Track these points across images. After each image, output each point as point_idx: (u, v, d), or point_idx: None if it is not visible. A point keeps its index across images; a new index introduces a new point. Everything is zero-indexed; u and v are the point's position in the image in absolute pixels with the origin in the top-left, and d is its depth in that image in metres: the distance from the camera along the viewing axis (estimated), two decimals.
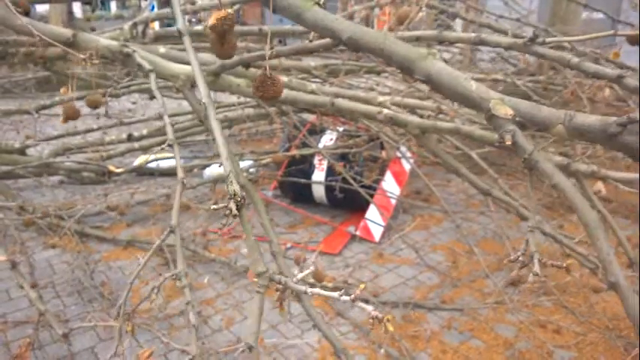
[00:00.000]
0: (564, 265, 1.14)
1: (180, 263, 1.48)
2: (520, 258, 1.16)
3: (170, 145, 1.65)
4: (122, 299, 1.43)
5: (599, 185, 2.55)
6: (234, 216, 1.09)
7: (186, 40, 1.47)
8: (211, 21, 1.23)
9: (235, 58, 2.14)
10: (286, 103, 3.35)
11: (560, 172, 1.15)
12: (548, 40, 1.98)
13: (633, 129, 1.03)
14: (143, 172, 5.14)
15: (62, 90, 2.16)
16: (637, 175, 2.43)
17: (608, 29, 1.93)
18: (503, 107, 1.17)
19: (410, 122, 2.54)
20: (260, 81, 1.31)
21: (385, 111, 2.55)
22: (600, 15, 3.79)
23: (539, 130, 1.21)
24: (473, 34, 2.08)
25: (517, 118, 1.16)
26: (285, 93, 2.36)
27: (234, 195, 1.09)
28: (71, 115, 2.18)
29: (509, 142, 1.13)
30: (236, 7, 3.56)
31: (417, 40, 2.63)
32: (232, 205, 1.08)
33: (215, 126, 1.29)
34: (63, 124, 6.23)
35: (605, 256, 1.09)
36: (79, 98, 5.03)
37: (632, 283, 2.50)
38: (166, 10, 3.97)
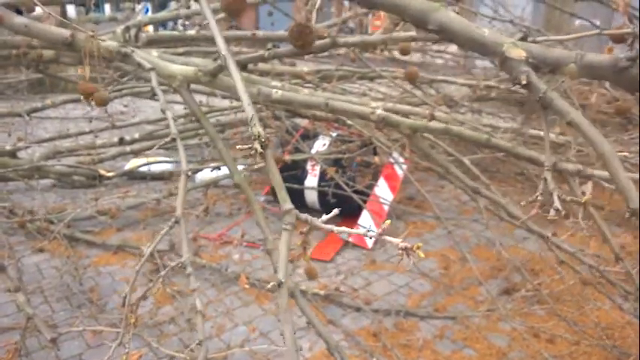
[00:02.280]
0: (583, 200, 1.17)
1: (185, 251, 1.48)
2: (539, 197, 1.21)
3: (174, 139, 1.65)
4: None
5: (587, 186, 2.56)
6: (260, 154, 1.17)
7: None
8: None
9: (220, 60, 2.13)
10: (281, 104, 3.33)
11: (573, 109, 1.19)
12: (538, 39, 1.99)
13: None
14: (134, 176, 5.10)
15: (79, 70, 2.15)
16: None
17: (601, 37, 1.95)
18: (516, 49, 1.22)
19: (402, 123, 2.56)
20: (298, 31, 1.39)
21: (378, 111, 2.55)
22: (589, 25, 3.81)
23: (551, 71, 1.25)
24: None
25: (530, 60, 1.21)
26: (280, 93, 2.36)
27: (259, 136, 1.17)
28: (101, 102, 2.14)
29: (524, 82, 1.17)
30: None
31: (413, 39, 2.63)
32: (257, 145, 1.16)
33: (236, 75, 1.37)
34: (56, 127, 6.16)
35: (623, 184, 1.10)
36: (73, 101, 4.99)
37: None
38: (159, 14, 3.95)
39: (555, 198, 1.16)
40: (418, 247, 0.93)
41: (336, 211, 1.14)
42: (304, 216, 1.18)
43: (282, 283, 1.12)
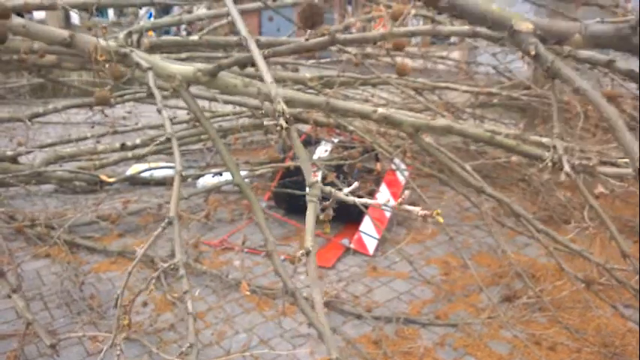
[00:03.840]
0: (591, 164, 1.22)
1: (179, 253, 1.49)
2: (549, 164, 1.29)
3: (169, 139, 1.65)
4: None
5: (600, 187, 2.56)
6: (285, 129, 1.24)
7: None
8: None
9: (231, 58, 2.13)
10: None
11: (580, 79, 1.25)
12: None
13: None
14: (136, 182, 5.10)
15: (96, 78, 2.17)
16: (627, 170, 2.47)
17: None
18: (524, 22, 1.28)
19: (404, 121, 2.55)
20: (308, 11, 1.45)
21: (380, 110, 2.55)
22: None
23: (558, 42, 1.30)
24: (466, 27, 2.08)
25: (537, 32, 1.27)
26: (282, 93, 2.36)
27: (283, 112, 1.23)
28: (102, 101, 2.15)
29: (532, 53, 1.23)
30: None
31: (412, 35, 2.63)
32: (282, 122, 1.22)
33: (258, 56, 1.41)
34: (58, 132, 6.18)
35: (627, 142, 1.16)
36: (75, 106, 5.00)
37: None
38: (162, 20, 3.96)
39: (565, 162, 1.20)
40: (438, 214, 0.99)
41: (356, 184, 1.18)
42: (328, 188, 1.26)
43: (309, 251, 1.18)
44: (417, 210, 0.98)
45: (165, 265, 1.44)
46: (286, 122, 1.22)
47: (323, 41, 1.98)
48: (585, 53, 1.85)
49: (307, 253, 1.17)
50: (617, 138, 1.16)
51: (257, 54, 1.39)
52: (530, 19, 1.27)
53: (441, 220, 0.98)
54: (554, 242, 3.00)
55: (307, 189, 4.47)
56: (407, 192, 1.01)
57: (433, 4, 1.41)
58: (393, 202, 1.06)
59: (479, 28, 1.92)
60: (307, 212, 1.27)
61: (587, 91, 1.19)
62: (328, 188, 1.23)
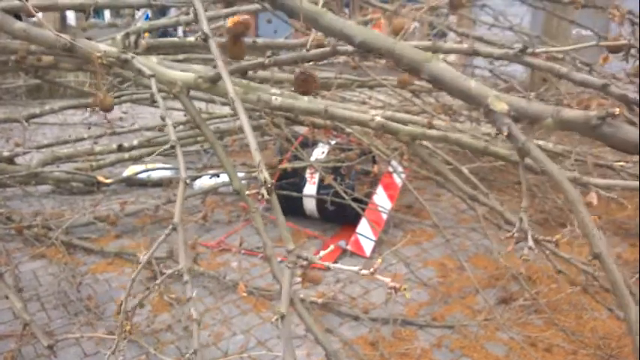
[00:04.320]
0: (553, 240, 1.27)
1: (183, 259, 1.49)
2: (516, 234, 1.31)
3: (172, 147, 1.66)
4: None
5: (592, 196, 2.58)
6: (267, 200, 1.28)
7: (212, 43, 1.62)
8: (229, 24, 1.38)
9: (232, 66, 2.15)
10: (281, 110, 3.35)
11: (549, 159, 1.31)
12: (537, 50, 2.03)
13: (610, 122, 1.22)
14: (133, 183, 5.09)
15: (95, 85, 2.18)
16: (615, 182, 2.51)
17: (596, 41, 1.99)
18: (500, 103, 1.33)
19: (401, 130, 2.57)
20: (302, 79, 1.49)
21: (377, 118, 2.57)
22: (590, 32, 3.84)
23: (530, 123, 1.38)
24: (466, 45, 2.11)
25: (512, 113, 1.32)
26: (280, 100, 2.37)
27: (265, 182, 1.26)
28: (105, 107, 2.15)
29: (505, 134, 1.29)
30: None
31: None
32: (264, 191, 1.26)
33: (244, 119, 1.43)
34: (54, 133, 6.16)
35: (588, 230, 1.22)
36: (73, 107, 5.00)
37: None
38: (159, 21, 3.96)
39: (530, 238, 1.25)
40: (404, 289, 1.07)
41: (332, 247, 1.29)
42: (305, 255, 1.32)
43: (284, 316, 1.20)
44: (386, 281, 1.08)
45: (170, 271, 1.45)
46: (268, 193, 1.26)
47: (324, 52, 2.01)
48: (580, 76, 1.92)
49: (282, 318, 1.20)
50: (579, 223, 1.23)
51: (245, 120, 1.42)
52: (505, 99, 1.33)
53: (407, 295, 1.07)
54: (546, 251, 3.02)
55: (304, 192, 4.42)
56: (379, 260, 1.09)
57: (416, 76, 1.46)
58: (365, 271, 1.15)
59: (478, 46, 1.99)
60: (283, 278, 1.31)
61: (554, 173, 1.26)
62: (305, 254, 1.32)
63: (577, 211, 1.23)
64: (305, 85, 1.53)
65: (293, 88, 1.56)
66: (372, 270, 1.10)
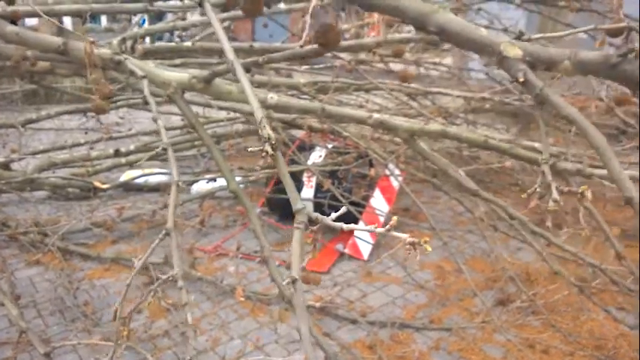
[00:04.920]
0: (579, 191, 1.21)
1: (177, 265, 1.49)
2: (537, 189, 1.24)
3: (164, 149, 1.66)
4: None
5: (588, 193, 2.58)
6: (271, 156, 1.21)
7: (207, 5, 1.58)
8: None
9: (226, 65, 2.14)
10: (277, 110, 3.35)
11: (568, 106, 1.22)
12: (533, 37, 2.02)
13: (631, 59, 1.15)
14: (130, 188, 5.08)
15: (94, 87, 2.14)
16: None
17: (592, 47, 1.98)
18: (514, 48, 1.26)
19: (399, 126, 2.56)
20: (322, 30, 1.41)
21: (375, 115, 2.56)
22: (585, 35, 3.84)
23: (547, 69, 1.29)
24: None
25: (527, 58, 1.25)
26: (276, 99, 2.37)
27: (269, 138, 1.20)
28: (99, 110, 2.14)
29: (521, 80, 1.22)
30: (226, 23, 3.57)
31: (408, 42, 2.64)
32: (268, 148, 1.19)
33: (244, 79, 1.39)
34: (50, 138, 6.15)
35: (617, 174, 1.15)
36: (69, 112, 4.98)
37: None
38: (156, 26, 3.96)
39: (553, 189, 1.18)
40: (425, 242, 0.97)
41: (344, 209, 1.16)
42: (315, 214, 1.21)
43: (296, 280, 1.13)
44: (404, 237, 0.98)
45: (164, 277, 1.44)
46: (272, 149, 1.21)
47: (317, 48, 2.00)
48: None
49: (294, 282, 1.14)
50: (605, 165, 1.16)
51: (244, 80, 1.38)
52: (519, 44, 1.27)
53: (428, 248, 0.97)
54: (547, 245, 3.02)
55: (302, 195, 4.43)
56: (394, 218, 1.02)
57: (422, 29, 1.38)
58: (380, 230, 1.07)
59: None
60: (293, 240, 1.23)
61: (576, 119, 1.19)
62: (315, 214, 1.21)
63: (604, 156, 1.16)
64: (325, 36, 1.44)
65: (313, 39, 1.46)
66: (388, 227, 1.02)
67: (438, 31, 1.35)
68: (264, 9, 3.51)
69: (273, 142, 1.20)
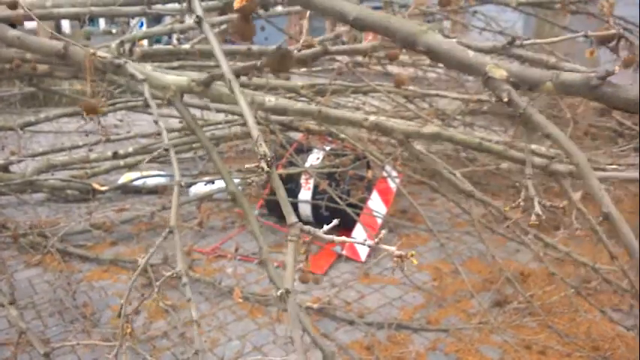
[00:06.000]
0: (561, 205, 1.24)
1: (180, 262, 1.51)
2: (521, 203, 1.31)
3: (166, 150, 1.68)
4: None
5: (577, 195, 2.62)
6: (267, 173, 1.24)
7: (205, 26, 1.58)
8: (236, 4, 1.35)
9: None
10: (275, 112, 3.37)
11: (552, 125, 1.28)
12: (526, 42, 2.05)
13: (611, 82, 1.20)
14: (128, 190, 5.10)
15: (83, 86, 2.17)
16: (616, 174, 2.53)
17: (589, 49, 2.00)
18: (498, 70, 1.31)
19: (395, 129, 2.59)
20: (278, 57, 1.46)
21: (371, 118, 2.59)
22: (581, 38, 3.87)
23: (530, 89, 1.35)
24: (455, 40, 2.13)
25: (511, 79, 1.31)
26: (273, 102, 2.38)
27: (265, 155, 1.23)
28: (90, 110, 2.16)
29: (505, 100, 1.27)
30: (223, 26, 3.59)
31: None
32: (264, 164, 1.23)
33: (240, 98, 1.42)
34: (49, 141, 6.16)
35: (596, 191, 1.21)
36: (67, 115, 5.00)
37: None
38: (154, 29, 3.98)
39: (536, 204, 1.23)
40: (412, 255, 1.01)
41: (335, 221, 1.18)
42: (307, 228, 1.24)
43: (289, 292, 1.16)
44: (392, 250, 1.02)
45: (168, 274, 1.46)
46: (268, 166, 1.23)
47: (315, 52, 2.02)
48: (569, 65, 1.90)
49: (287, 293, 1.15)
50: (585, 183, 1.22)
51: (242, 100, 1.41)
52: (504, 66, 1.31)
53: (415, 261, 1.02)
54: (543, 246, 3.05)
55: (299, 197, 4.41)
56: (383, 231, 1.06)
57: (412, 48, 1.43)
58: (369, 242, 1.13)
59: (468, 42, 1.98)
60: (287, 252, 1.25)
61: (557, 138, 1.24)
62: (307, 227, 1.24)
63: (584, 173, 1.21)
64: (282, 63, 1.48)
65: (269, 68, 1.50)
66: (377, 240, 1.06)
67: (426, 51, 1.41)
68: (262, 11, 3.53)
69: (269, 160, 1.24)
